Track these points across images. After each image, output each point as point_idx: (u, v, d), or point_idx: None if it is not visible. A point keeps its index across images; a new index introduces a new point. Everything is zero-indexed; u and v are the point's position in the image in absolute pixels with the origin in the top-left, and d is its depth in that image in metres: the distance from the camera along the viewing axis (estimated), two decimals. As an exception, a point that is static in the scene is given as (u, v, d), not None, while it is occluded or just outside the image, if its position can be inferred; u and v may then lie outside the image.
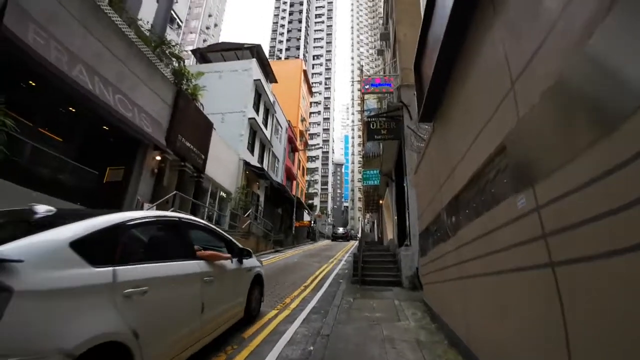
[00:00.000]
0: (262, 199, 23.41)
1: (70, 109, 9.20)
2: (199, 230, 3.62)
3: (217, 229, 4.16)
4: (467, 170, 3.18)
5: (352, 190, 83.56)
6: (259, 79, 22.12)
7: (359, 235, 8.96)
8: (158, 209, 10.17)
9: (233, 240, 4.27)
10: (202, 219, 14.82)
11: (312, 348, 3.58)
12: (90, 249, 2.01)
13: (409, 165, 7.78)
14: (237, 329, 4.10)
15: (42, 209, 2.29)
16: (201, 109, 15.26)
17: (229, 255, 3.85)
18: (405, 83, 8.43)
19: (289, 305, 5.44)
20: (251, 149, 21.83)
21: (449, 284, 3.94)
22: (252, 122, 21.13)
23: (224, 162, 17.37)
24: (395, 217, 10.55)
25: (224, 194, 17.94)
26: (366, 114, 18.65)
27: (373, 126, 8.36)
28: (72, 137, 9.28)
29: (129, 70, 10.46)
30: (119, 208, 8.48)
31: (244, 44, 23.60)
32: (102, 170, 10.77)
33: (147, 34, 12.26)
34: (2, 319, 1.45)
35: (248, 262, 4.37)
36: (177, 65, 13.67)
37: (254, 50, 23.09)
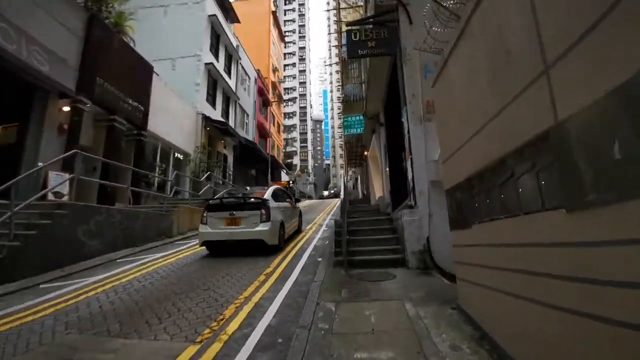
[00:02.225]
0: (230, 159, 20.62)
1: None
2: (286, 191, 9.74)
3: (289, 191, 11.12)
4: None
5: (333, 147, 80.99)
6: (215, 15, 18.24)
7: (342, 193, 6.93)
8: (64, 169, 7.41)
9: (295, 196, 12.90)
10: (151, 187, 12.20)
11: None
12: (272, 196, 7.36)
13: (409, 89, 5.28)
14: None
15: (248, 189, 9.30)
16: (132, 46, 11.79)
17: (292, 201, 9.50)
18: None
19: (220, 335, 3.16)
20: (212, 101, 18.57)
21: (541, 309, 1.67)
22: (210, 68, 17.64)
23: (177, 117, 14.28)
24: (387, 169, 8.24)
25: (180, 156, 15.06)
26: (344, 50, 15.62)
27: (355, 36, 5.66)
28: None
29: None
30: (13, 177, 5.79)
31: (192, -31, 19.14)
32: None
33: None
34: (271, 214, 6.70)
35: (299, 204, 10.83)
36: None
37: (206, -22, 18.77)
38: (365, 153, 15.14)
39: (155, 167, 11.80)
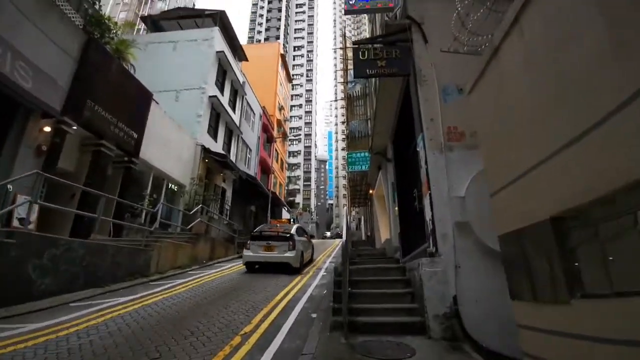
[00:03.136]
0: (229, 193, 19.75)
1: None
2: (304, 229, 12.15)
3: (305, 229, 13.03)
4: None
5: (337, 187, 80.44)
6: (222, 51, 18.47)
7: (344, 234, 5.51)
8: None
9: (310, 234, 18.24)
10: (137, 218, 11.12)
11: None
12: (297, 232, 10.06)
13: (426, 113, 4.49)
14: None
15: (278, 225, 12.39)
16: (132, 73, 11.49)
17: (309, 237, 12.53)
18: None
19: None
20: (214, 133, 18.17)
21: None
22: (213, 101, 17.46)
23: (174, 147, 13.69)
24: (396, 208, 7.25)
25: (174, 187, 14.23)
26: (350, 87, 15.36)
27: (364, 55, 5.00)
28: None
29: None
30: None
31: (204, 10, 19.84)
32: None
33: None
34: (296, 245, 9.27)
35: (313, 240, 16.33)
36: (90, 8, 9.90)
37: (217, 17, 19.37)
38: (371, 192, 14.24)
39: (144, 197, 10.89)
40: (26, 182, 6.79)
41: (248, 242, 9.41)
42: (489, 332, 3.38)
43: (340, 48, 17.66)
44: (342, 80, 16.87)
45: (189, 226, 11.37)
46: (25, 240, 5.44)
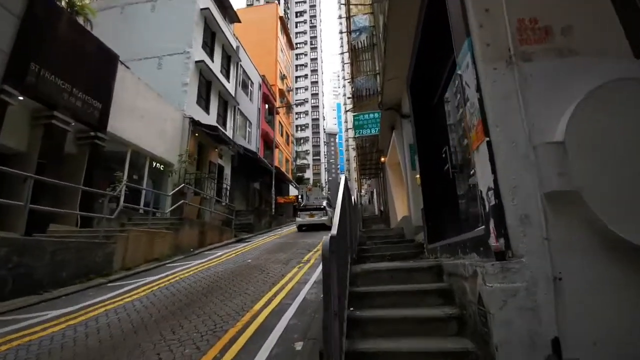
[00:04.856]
0: (227, 171, 18.14)
1: None
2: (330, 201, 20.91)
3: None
4: None
5: (348, 160, 78.31)
6: (208, 8, 16.22)
7: (331, 231, 2.20)
8: None
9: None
10: (104, 209, 9.06)
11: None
12: (327, 204, 17.96)
13: (476, 3, 2.46)
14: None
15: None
16: (90, 30, 9.59)
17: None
18: None
19: None
20: (205, 104, 16.33)
21: None
22: (201, 67, 15.47)
23: (155, 119, 11.98)
24: (418, 176, 5.38)
25: (160, 166, 12.65)
26: (354, 37, 13.10)
27: None
28: None
29: None
30: None
31: (185, -38, 17.31)
32: None
33: None
34: (327, 213, 15.93)
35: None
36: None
37: (200, -30, 16.87)
38: (382, 159, 12.30)
39: (119, 179, 9.30)
40: None
41: (298, 212, 16.96)
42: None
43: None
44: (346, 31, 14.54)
45: (168, 210, 9.82)
46: None
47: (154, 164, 12.35)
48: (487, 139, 2.33)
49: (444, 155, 4.88)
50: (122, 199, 8.76)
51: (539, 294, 1.90)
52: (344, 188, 3.56)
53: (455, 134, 4.44)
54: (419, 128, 5.58)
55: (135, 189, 9.68)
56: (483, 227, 2.48)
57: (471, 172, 3.43)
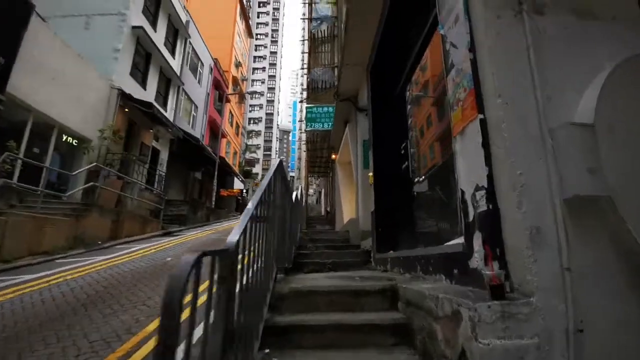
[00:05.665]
0: (164, 155, 16.18)
1: None
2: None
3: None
4: None
5: (299, 158, 77.60)
6: (154, -31, 14.21)
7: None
8: None
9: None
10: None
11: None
12: None
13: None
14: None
15: None
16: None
17: None
18: None
19: None
20: (142, 78, 14.31)
21: None
22: (139, 34, 13.48)
23: (71, 84, 9.98)
24: (370, 174, 4.70)
25: (74, 140, 10.59)
26: (314, 25, 12.37)
27: None
28: None
29: None
30: None
31: None
32: None
33: None
34: None
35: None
36: None
37: None
38: (334, 156, 11.67)
39: (9, 149, 7.33)
40: None
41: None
42: None
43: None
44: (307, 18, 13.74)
45: (68, 193, 8.06)
46: None
47: (65, 137, 10.28)
48: (481, 116, 1.64)
49: (402, 152, 4.26)
50: (15, 175, 6.91)
51: (555, 357, 1.20)
52: (276, 174, 2.68)
53: (415, 130, 3.81)
54: (377, 119, 4.92)
55: (30, 164, 7.75)
56: (461, 241, 1.78)
57: (430, 168, 2.77)
